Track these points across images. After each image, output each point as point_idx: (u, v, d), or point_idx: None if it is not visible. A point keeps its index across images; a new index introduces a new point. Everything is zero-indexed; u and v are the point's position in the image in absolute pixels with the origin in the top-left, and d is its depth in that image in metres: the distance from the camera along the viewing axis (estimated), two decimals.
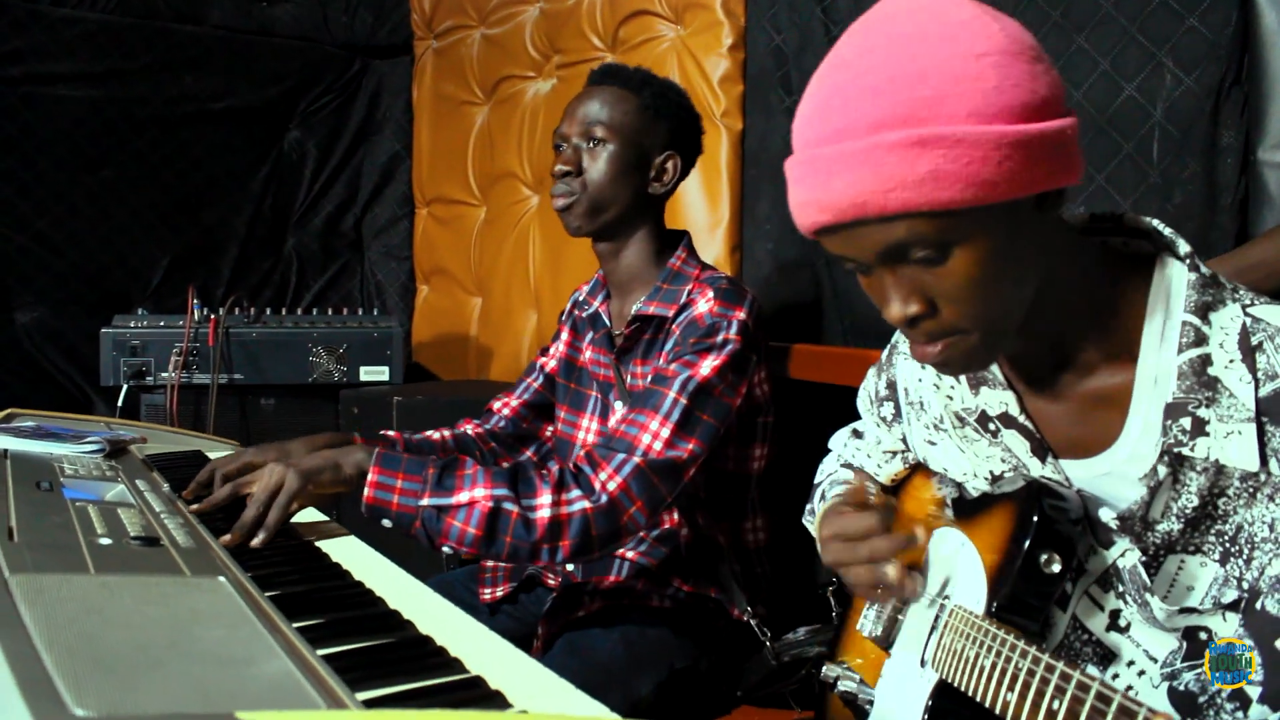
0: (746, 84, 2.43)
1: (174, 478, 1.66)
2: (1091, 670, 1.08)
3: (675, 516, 1.75)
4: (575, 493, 1.51)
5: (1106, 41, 1.74)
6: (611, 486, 1.52)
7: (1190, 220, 1.67)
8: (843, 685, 1.33)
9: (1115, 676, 1.09)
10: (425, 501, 1.46)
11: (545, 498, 1.49)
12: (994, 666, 1.02)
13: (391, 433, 1.91)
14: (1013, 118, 0.90)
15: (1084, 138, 1.73)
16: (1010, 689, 0.98)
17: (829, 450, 1.54)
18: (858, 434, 1.48)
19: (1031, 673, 0.96)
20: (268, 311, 3.07)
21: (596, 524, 1.50)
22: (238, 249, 3.63)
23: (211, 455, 1.98)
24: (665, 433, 1.56)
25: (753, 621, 1.67)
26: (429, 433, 1.95)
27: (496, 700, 0.88)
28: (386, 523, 1.48)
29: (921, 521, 1.25)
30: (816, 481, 1.51)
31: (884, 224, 0.92)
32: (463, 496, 1.47)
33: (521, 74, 3.19)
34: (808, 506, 1.51)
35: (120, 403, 2.86)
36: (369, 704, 0.83)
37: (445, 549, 1.48)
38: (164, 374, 2.88)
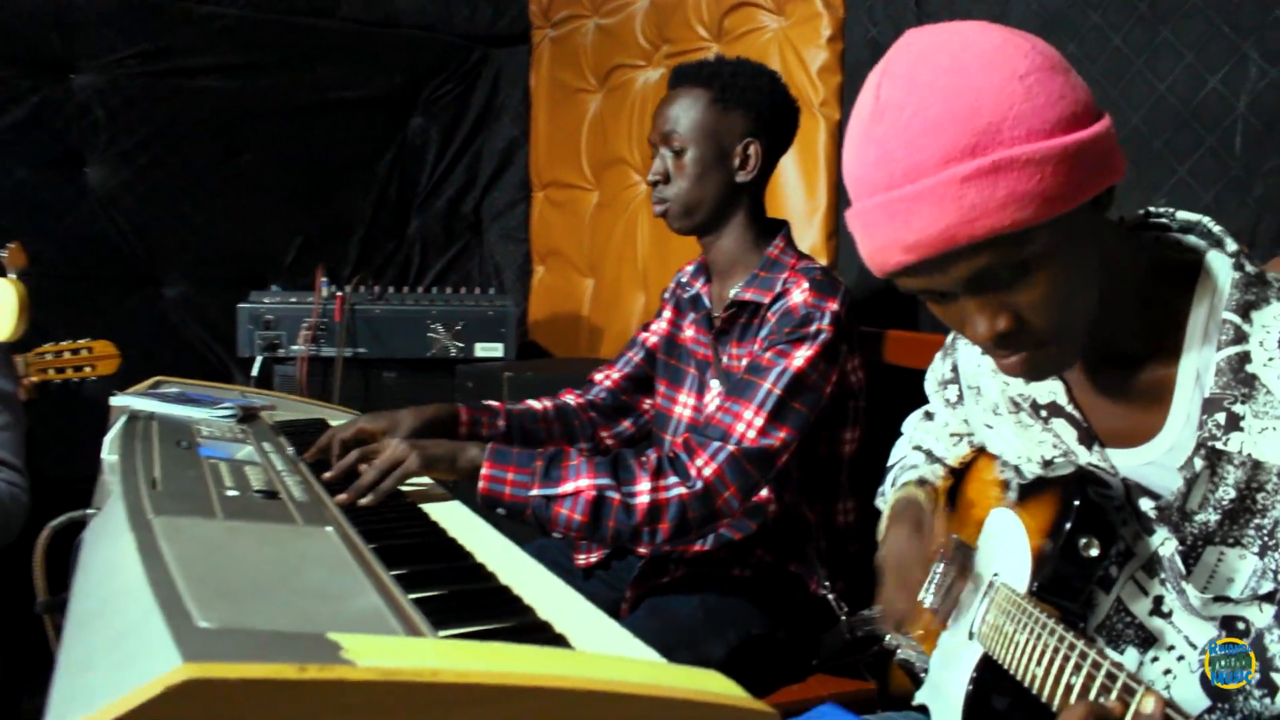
0: (844, 74, 2.49)
1: (296, 441, 1.82)
2: (1131, 652, 1.14)
3: (765, 493, 1.84)
4: (672, 479, 1.61)
5: (1192, 34, 1.75)
6: (707, 473, 1.62)
7: (1272, 213, 1.68)
8: (902, 654, 1.41)
9: (1155, 660, 1.12)
10: (535, 492, 1.59)
11: (644, 484, 1.60)
12: (1027, 642, 1.07)
13: (495, 403, 2.04)
14: (1066, 129, 0.94)
15: (1165, 131, 1.77)
16: (1038, 664, 1.04)
17: (901, 433, 1.61)
18: (929, 416, 1.55)
19: (1056, 649, 1.02)
20: (390, 289, 3.24)
21: (692, 508, 1.61)
22: (364, 230, 3.83)
23: (332, 423, 2.15)
24: (759, 421, 1.65)
25: (830, 596, 1.75)
26: (530, 402, 2.07)
27: (559, 642, 0.99)
28: (501, 511, 1.61)
29: (983, 505, 1.32)
30: (889, 464, 1.59)
31: (971, 253, 0.96)
32: (568, 486, 1.59)
33: (632, 63, 3.29)
34: (880, 490, 1.58)
35: (255, 372, 3.08)
36: (446, 639, 0.95)
37: (555, 534, 1.61)
38: (294, 346, 3.08)
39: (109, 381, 2.74)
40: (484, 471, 1.60)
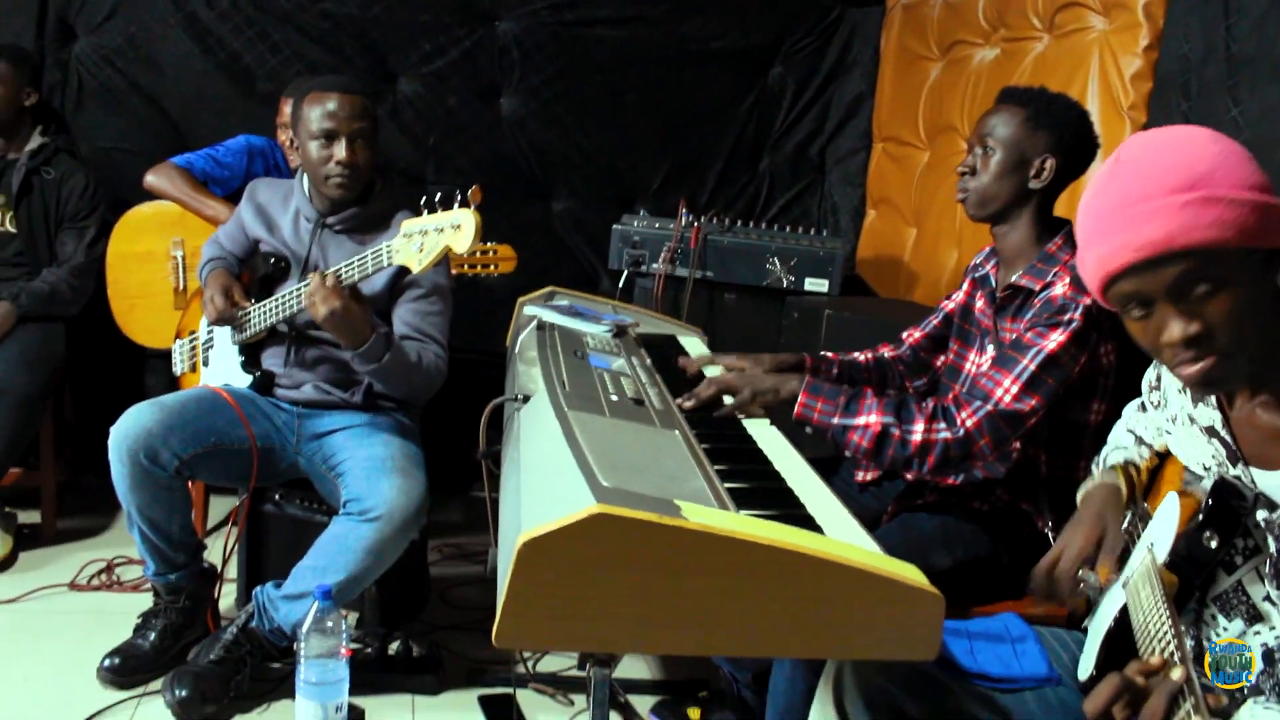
0: (1155, 83, 2.67)
1: (654, 355, 2.41)
2: (1238, 623, 1.44)
3: (1016, 445, 2.24)
4: (941, 424, 2.04)
5: None
6: (969, 424, 2.04)
7: None
8: (1084, 588, 1.80)
9: (1257, 633, 1.41)
10: (835, 420, 2.07)
11: (919, 425, 2.04)
12: (1145, 599, 1.42)
13: (830, 354, 2.54)
14: (1260, 192, 1.30)
15: None
16: (1144, 616, 1.40)
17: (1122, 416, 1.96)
18: (1144, 408, 1.89)
19: (1156, 610, 1.37)
20: (738, 223, 3.74)
21: (953, 449, 2.03)
22: (722, 165, 4.37)
23: (681, 339, 2.72)
24: (1014, 389, 2.04)
25: (1050, 534, 2.14)
26: (856, 354, 2.56)
27: (815, 528, 1.48)
28: (809, 430, 2.11)
29: (1173, 484, 1.67)
30: (1109, 440, 1.95)
31: (1181, 259, 1.27)
32: (860, 420, 2.05)
33: (971, 40, 3.56)
34: (1095, 458, 1.95)
35: (620, 284, 3.68)
36: (744, 515, 1.48)
37: (846, 454, 2.10)
38: (654, 265, 3.64)
39: (507, 278, 3.44)
40: (800, 399, 2.10)
